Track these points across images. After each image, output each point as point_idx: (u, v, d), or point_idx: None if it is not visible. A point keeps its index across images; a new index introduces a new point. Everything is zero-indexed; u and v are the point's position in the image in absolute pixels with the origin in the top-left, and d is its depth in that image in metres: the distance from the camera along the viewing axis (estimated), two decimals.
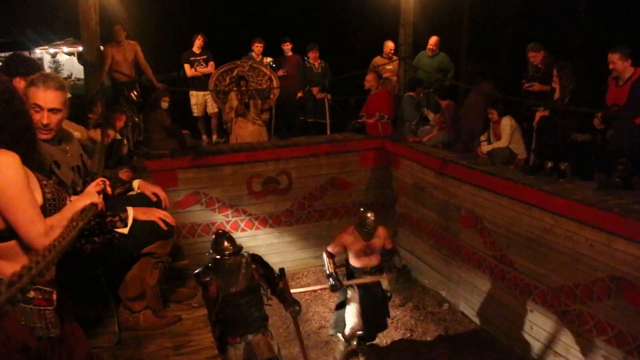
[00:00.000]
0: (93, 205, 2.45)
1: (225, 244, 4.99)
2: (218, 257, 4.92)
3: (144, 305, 3.30)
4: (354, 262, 6.38)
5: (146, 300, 3.30)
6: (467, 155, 7.68)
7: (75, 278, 2.86)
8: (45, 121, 2.65)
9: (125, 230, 2.93)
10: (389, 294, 6.60)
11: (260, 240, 8.87)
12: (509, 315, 6.97)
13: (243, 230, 8.75)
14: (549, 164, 6.53)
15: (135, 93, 8.37)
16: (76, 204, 2.36)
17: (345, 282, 6.45)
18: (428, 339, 7.26)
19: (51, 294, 2.31)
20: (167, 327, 3.35)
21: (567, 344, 6.11)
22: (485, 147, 7.40)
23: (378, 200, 9.54)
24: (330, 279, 6.38)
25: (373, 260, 6.37)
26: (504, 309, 7.03)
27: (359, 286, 6.37)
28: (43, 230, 2.16)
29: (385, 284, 6.47)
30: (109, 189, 2.66)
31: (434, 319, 7.72)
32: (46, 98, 2.64)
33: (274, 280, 5.20)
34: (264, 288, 5.16)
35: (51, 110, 2.68)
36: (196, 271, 4.95)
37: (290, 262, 9.03)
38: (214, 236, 5.17)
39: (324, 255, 6.46)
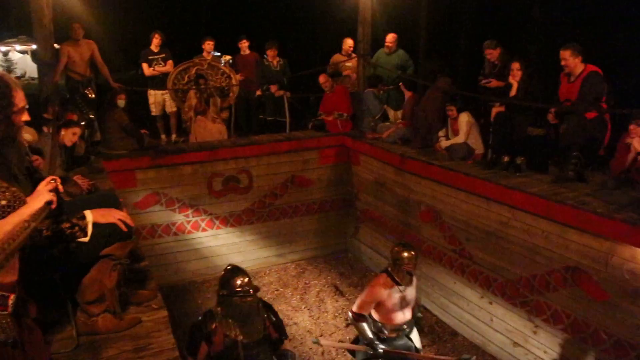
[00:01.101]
0: (47, 204, 2.39)
1: (240, 280, 4.15)
2: (230, 296, 4.12)
3: (102, 309, 3.23)
4: (385, 319, 5.11)
5: (105, 303, 3.24)
6: (426, 151, 7.77)
7: (30, 282, 2.79)
8: (27, 117, 2.63)
9: (86, 239, 2.87)
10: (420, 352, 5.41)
11: (222, 240, 8.81)
12: (469, 308, 7.09)
13: (204, 230, 8.67)
14: (506, 159, 6.67)
15: (91, 90, 8.20)
16: (25, 209, 2.31)
17: None
18: None
19: (7, 298, 2.25)
20: (127, 330, 3.29)
21: (526, 334, 6.26)
22: (443, 143, 7.51)
23: (339, 197, 9.59)
24: (368, 346, 5.08)
25: (407, 314, 5.17)
26: (464, 302, 7.15)
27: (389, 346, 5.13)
28: None
29: (417, 341, 5.34)
30: (60, 187, 2.60)
31: None
32: (24, 97, 2.61)
33: (281, 334, 4.50)
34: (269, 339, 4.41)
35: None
36: (196, 321, 4.27)
37: (252, 261, 9.03)
38: (224, 272, 4.33)
39: (351, 319, 5.19)
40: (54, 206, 2.47)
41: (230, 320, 4.14)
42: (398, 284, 4.98)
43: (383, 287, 4.99)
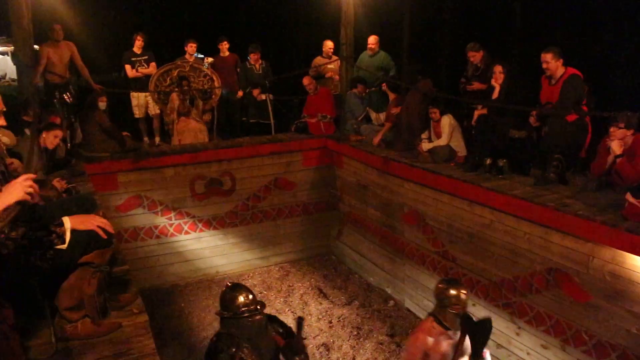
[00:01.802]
0: (18, 203, 2.31)
1: (245, 298, 3.79)
2: (236, 317, 3.75)
3: (81, 314, 3.17)
4: None
5: (84, 309, 3.19)
6: (409, 153, 7.78)
7: (7, 287, 2.74)
8: (3, 122, 2.58)
9: (64, 246, 2.81)
10: None
11: (205, 243, 8.76)
12: None
13: (187, 232, 8.61)
14: (488, 161, 6.70)
15: (69, 95, 8.11)
16: None
17: None
18: (375, 336, 7.32)
19: None
20: (107, 335, 3.24)
21: (509, 336, 6.28)
22: (426, 145, 7.51)
23: (322, 199, 9.58)
24: None
25: None
26: None
27: None
28: None
29: None
30: (35, 193, 2.47)
31: (379, 316, 7.80)
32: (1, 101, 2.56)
33: (289, 335, 4.13)
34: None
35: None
36: (212, 349, 3.80)
37: (235, 264, 9.01)
38: (224, 291, 3.91)
39: None
40: (30, 200, 2.37)
41: (244, 343, 3.75)
42: (447, 328, 4.19)
43: (428, 333, 4.21)
